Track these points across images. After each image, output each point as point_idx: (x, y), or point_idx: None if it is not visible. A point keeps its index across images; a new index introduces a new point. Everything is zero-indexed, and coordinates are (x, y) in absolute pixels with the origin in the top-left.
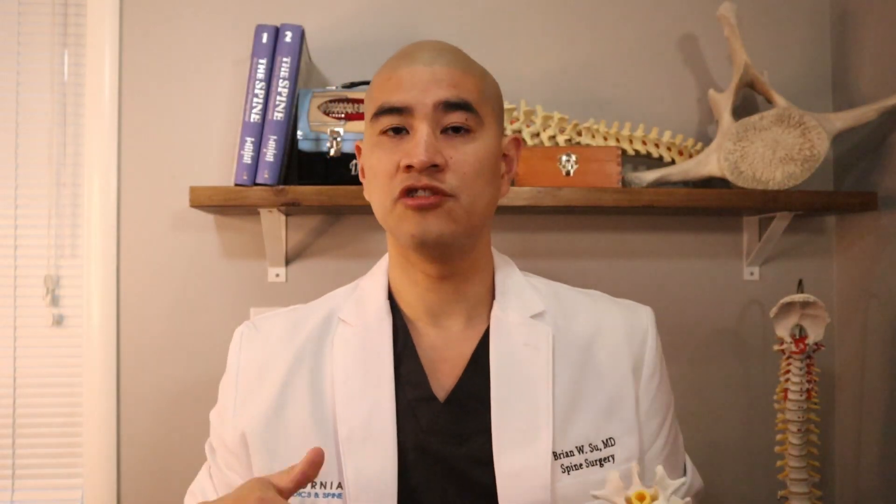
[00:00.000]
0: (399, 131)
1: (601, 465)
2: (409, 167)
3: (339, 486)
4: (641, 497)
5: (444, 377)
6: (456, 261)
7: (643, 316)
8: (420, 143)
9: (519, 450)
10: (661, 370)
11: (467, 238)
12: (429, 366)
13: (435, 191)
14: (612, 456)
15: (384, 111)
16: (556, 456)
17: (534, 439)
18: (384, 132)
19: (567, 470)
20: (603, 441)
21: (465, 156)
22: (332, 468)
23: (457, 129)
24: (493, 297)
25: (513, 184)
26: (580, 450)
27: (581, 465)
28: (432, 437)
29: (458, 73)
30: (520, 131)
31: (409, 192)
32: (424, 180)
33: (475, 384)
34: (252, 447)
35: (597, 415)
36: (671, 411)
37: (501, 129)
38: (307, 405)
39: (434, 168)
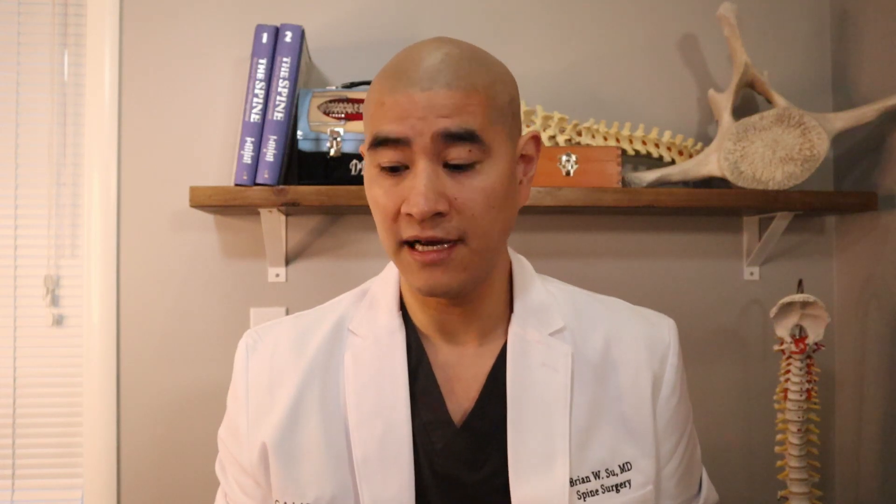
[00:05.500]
0: (397, 169)
1: (617, 491)
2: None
3: None
4: None
5: (459, 399)
6: (470, 291)
7: (665, 330)
8: (419, 188)
9: (536, 477)
10: (681, 387)
11: (481, 275)
12: (444, 385)
13: (440, 241)
14: (629, 481)
15: (380, 143)
16: (572, 482)
17: (550, 466)
18: (382, 167)
19: (583, 496)
20: (620, 466)
21: (472, 193)
22: (347, 492)
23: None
24: (510, 309)
25: None
26: (596, 475)
27: (597, 490)
28: (448, 461)
29: (461, 96)
30: None
31: (413, 241)
32: (428, 231)
33: (491, 408)
34: (272, 458)
35: (614, 437)
36: (689, 427)
37: (518, 134)
38: (320, 425)
39: (438, 215)
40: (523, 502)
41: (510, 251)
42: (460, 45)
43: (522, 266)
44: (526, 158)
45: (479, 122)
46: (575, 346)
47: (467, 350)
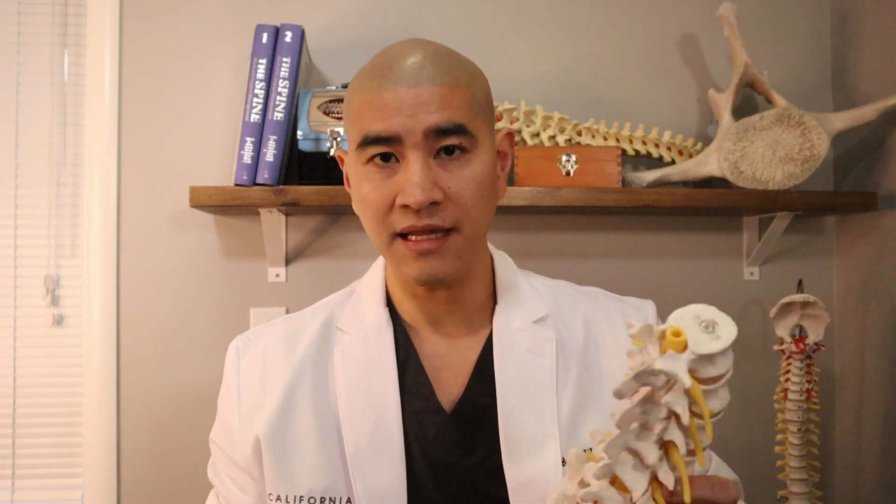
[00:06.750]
0: (388, 158)
1: None
2: (405, 205)
3: (349, 501)
4: (676, 333)
5: (448, 387)
6: (455, 276)
7: (644, 310)
8: (414, 179)
9: (528, 460)
10: None
11: (470, 262)
12: (433, 374)
13: (435, 229)
14: None
15: (370, 141)
16: (564, 462)
17: (542, 448)
18: (371, 160)
19: None
20: None
21: (464, 182)
22: (339, 483)
23: (451, 150)
24: (494, 300)
25: (511, 182)
26: None
27: None
28: (439, 448)
29: (447, 90)
30: (520, 131)
31: (407, 232)
32: (425, 220)
33: (480, 394)
34: (265, 452)
35: (603, 418)
36: None
37: (493, 129)
38: (312, 419)
39: (433, 205)
40: (518, 483)
41: (491, 246)
42: (436, 45)
43: (504, 260)
44: (501, 154)
45: (466, 116)
46: (557, 332)
47: (454, 340)
